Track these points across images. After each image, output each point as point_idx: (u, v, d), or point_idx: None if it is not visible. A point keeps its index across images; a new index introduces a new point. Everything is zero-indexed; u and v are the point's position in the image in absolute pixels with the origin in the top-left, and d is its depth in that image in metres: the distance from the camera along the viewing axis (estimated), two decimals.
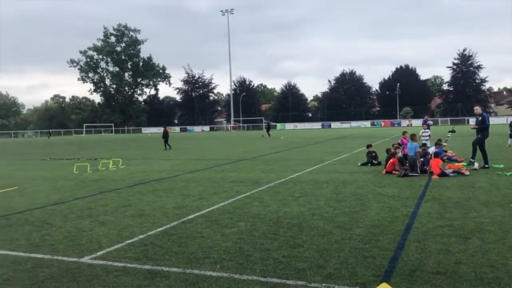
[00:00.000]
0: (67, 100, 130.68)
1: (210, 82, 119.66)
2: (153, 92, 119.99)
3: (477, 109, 14.07)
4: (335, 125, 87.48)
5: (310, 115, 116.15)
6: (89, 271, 5.36)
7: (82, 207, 9.38)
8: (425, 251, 5.65)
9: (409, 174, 12.42)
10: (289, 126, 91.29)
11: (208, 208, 8.72)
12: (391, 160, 13.29)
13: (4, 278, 5.26)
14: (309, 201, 9.19)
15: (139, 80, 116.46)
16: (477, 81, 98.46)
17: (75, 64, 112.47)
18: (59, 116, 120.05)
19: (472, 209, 7.99)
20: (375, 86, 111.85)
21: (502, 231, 6.45)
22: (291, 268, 5.20)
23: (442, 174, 12.08)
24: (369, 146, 16.45)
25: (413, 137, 13.62)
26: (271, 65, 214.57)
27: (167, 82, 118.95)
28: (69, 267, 5.56)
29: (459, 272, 4.94)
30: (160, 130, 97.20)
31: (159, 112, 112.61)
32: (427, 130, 19.73)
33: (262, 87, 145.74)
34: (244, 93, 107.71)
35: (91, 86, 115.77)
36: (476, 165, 13.50)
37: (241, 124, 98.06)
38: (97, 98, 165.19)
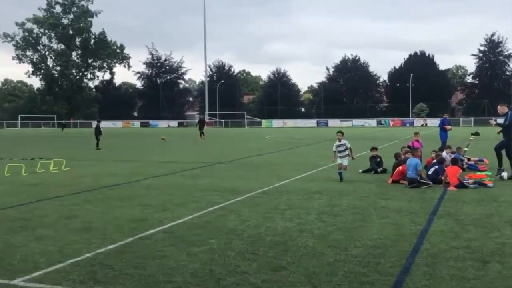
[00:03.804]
0: None
1: (180, 66, 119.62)
2: (107, 76, 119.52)
3: (502, 109, 14.37)
4: (333, 123, 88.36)
5: (303, 110, 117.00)
6: None
7: (15, 218, 9.32)
8: (434, 277, 5.80)
9: (420, 180, 12.63)
10: (277, 123, 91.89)
11: (173, 222, 8.77)
12: (400, 168, 13.51)
13: None
14: (297, 214, 9.30)
15: (90, 61, 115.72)
16: (507, 73, 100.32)
17: (9, 39, 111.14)
18: None
19: (494, 227, 8.21)
20: (383, 76, 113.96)
21: None
22: None
23: (460, 185, 12.34)
24: (373, 149, 16.67)
25: (414, 152, 13.68)
26: (255, 47, 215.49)
27: (126, 65, 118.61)
28: None
29: None
30: (116, 124, 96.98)
31: (115, 102, 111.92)
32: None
33: (244, 74, 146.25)
34: (222, 81, 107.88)
35: (29, 67, 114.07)
36: (505, 174, 13.77)
37: (217, 120, 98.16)
38: (36, 82, 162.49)
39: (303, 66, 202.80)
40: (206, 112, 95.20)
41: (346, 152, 13.86)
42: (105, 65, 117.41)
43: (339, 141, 13.89)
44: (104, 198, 11.37)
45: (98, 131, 29.98)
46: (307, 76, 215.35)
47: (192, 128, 74.78)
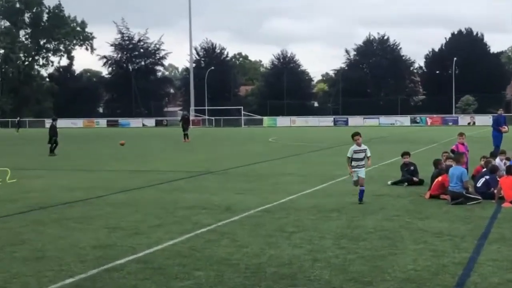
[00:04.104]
0: None
1: (158, 49, 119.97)
2: (64, 62, 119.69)
3: None
4: (355, 121, 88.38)
5: (316, 104, 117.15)
6: None
7: None
8: None
9: (467, 195, 12.62)
10: (283, 121, 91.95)
11: (149, 249, 8.77)
12: (440, 179, 13.50)
13: None
14: (309, 239, 9.30)
15: (42, 43, 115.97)
16: None
17: None
18: None
19: None
20: (418, 61, 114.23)
21: None
22: None
23: None
24: (405, 155, 16.66)
25: (458, 158, 13.60)
26: (254, 25, 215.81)
27: (88, 47, 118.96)
28: None
29: None
30: (76, 123, 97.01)
31: (75, 95, 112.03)
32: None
33: (241, 59, 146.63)
34: (213, 68, 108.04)
35: None
36: None
37: (206, 117, 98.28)
38: None
39: (316, 49, 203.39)
40: (192, 108, 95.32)
41: (364, 162, 13.28)
42: (61, 47, 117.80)
43: (359, 145, 13.20)
44: (60, 219, 11.35)
45: (53, 132, 29.96)
46: (321, 61, 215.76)
47: (175, 128, 74.63)
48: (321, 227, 10.21)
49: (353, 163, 13.12)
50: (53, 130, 30.16)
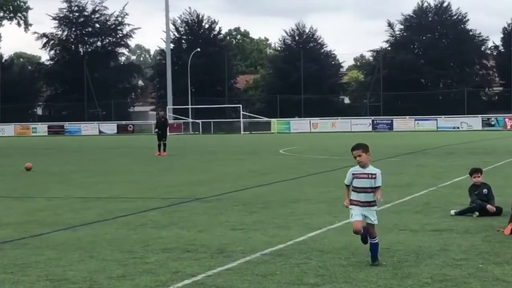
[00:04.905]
0: None
1: (121, 23, 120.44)
2: None
3: None
4: (402, 124, 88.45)
5: (347, 101, 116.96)
6: None
7: None
8: None
9: None
10: (300, 125, 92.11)
11: None
12: None
13: None
14: None
15: None
16: None
17: None
18: None
19: None
20: (493, 39, 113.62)
21: None
22: None
23: None
24: (476, 173, 16.57)
25: None
26: None
27: (21, 22, 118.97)
28: None
29: None
30: (5, 130, 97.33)
31: (2, 90, 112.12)
32: None
33: (239, 37, 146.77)
34: (199, 49, 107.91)
35: None
36: None
37: (190, 120, 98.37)
38: None
39: (346, 22, 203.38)
40: (169, 107, 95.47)
41: (371, 195, 11.10)
42: None
43: (362, 165, 11.17)
44: None
45: None
46: (353, 39, 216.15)
47: (145, 135, 74.67)
48: (356, 277, 10.13)
49: (354, 196, 11.20)
50: None
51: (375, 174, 11.07)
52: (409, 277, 10.11)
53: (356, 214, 11.03)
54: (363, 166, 11.15)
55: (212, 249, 12.42)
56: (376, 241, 11.18)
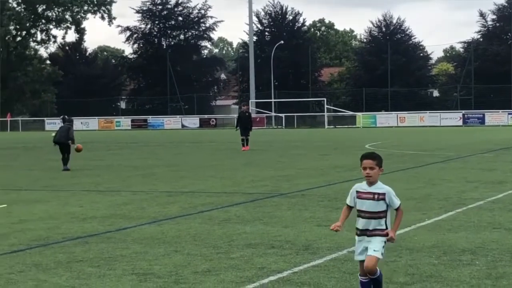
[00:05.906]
0: None
1: (204, 16, 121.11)
2: (71, 37, 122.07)
3: None
4: (494, 118, 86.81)
5: (436, 94, 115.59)
6: None
7: None
8: None
9: None
10: (387, 119, 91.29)
11: None
12: None
13: None
14: None
15: (40, 10, 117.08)
16: None
17: None
18: None
19: None
20: None
21: None
22: None
23: None
24: None
25: None
26: None
27: (105, 15, 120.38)
28: None
29: None
30: (89, 124, 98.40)
31: (86, 84, 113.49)
32: None
33: (324, 29, 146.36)
34: (282, 42, 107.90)
35: None
36: None
37: (273, 114, 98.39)
38: None
39: (435, 12, 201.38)
40: (252, 100, 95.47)
41: (383, 224, 8.87)
42: (67, 16, 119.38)
43: (369, 182, 8.93)
44: (69, 261, 11.38)
45: (66, 137, 29.32)
46: (443, 30, 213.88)
47: (228, 129, 74.93)
48: (448, 276, 9.94)
49: (358, 223, 9.00)
50: (65, 133, 29.53)
51: (383, 194, 8.85)
52: (504, 277, 9.89)
53: (357, 254, 8.84)
54: (371, 182, 8.89)
55: (298, 245, 12.38)
56: (375, 277, 8.77)
